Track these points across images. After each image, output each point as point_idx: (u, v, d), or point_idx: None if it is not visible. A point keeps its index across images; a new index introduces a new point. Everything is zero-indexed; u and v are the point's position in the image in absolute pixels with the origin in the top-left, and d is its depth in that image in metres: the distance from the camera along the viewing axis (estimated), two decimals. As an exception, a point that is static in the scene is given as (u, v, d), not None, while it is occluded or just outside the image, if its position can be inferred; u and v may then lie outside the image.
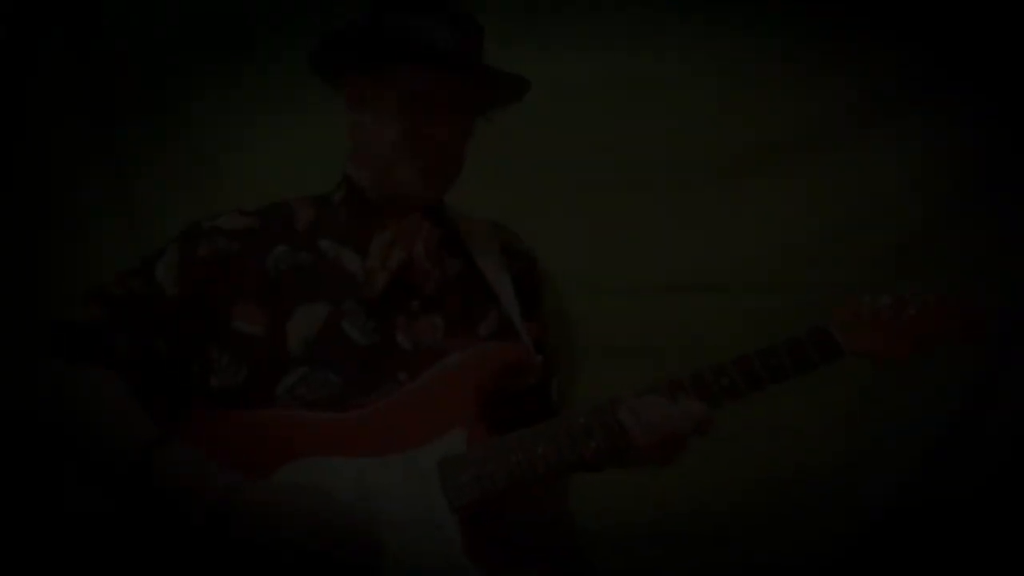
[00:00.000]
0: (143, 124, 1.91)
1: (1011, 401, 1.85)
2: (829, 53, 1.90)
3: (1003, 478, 1.82)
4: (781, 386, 1.78)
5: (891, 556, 1.85)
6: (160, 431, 1.18)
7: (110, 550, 1.16)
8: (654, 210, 1.91)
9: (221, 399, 1.27)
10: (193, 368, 1.29)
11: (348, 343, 1.28)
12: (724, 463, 1.85)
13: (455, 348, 1.30)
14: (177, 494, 1.12)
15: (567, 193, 1.90)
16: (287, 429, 1.21)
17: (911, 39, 1.87)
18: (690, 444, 1.24)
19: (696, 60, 1.91)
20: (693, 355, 1.31)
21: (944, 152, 1.90)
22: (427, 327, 1.32)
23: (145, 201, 1.90)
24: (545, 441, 1.21)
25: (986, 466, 1.84)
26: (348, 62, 1.36)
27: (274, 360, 1.26)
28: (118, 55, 1.89)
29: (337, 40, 1.36)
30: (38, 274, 1.81)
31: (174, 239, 1.34)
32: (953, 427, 1.88)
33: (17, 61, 1.82)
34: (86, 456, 1.21)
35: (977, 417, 1.87)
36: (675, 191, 1.92)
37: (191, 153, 1.92)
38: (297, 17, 1.33)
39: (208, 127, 1.90)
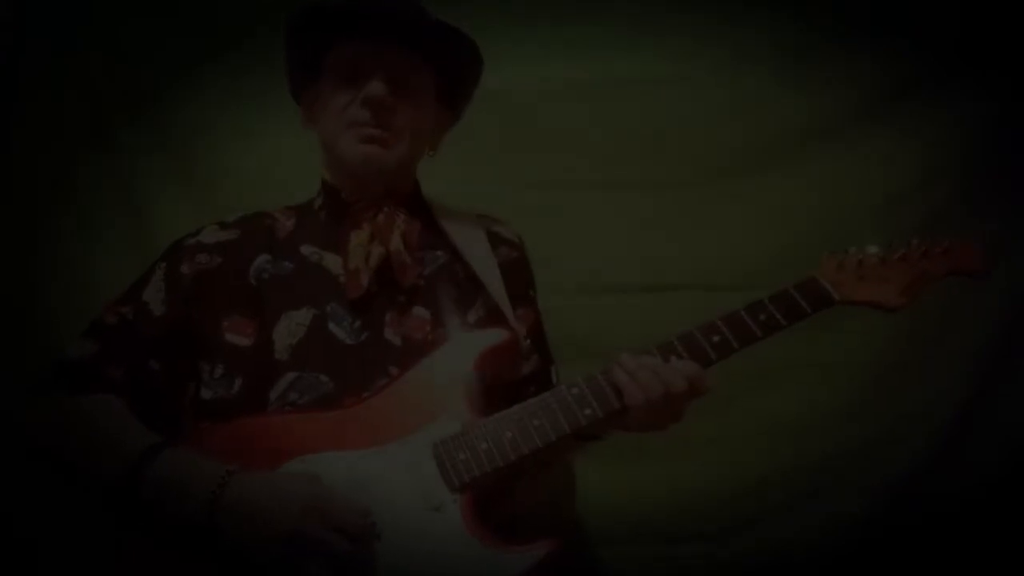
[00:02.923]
0: (143, 124, 1.94)
1: (1016, 395, 1.85)
2: (826, 53, 1.92)
3: (1009, 471, 1.81)
4: (783, 383, 1.82)
5: (896, 552, 1.82)
6: (158, 437, 1.18)
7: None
8: (646, 210, 1.93)
9: (215, 411, 1.26)
10: (188, 383, 1.30)
11: (336, 344, 1.27)
12: (725, 461, 1.85)
13: (443, 338, 1.30)
14: (176, 490, 1.11)
15: (559, 193, 1.93)
16: (278, 433, 1.20)
17: (910, 38, 1.88)
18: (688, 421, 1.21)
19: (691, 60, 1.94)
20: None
21: (943, 151, 1.91)
22: (415, 320, 1.31)
23: (145, 201, 1.93)
24: (539, 414, 1.19)
25: (993, 458, 1.83)
26: (294, 66, 1.39)
27: (264, 368, 1.25)
28: (118, 57, 1.94)
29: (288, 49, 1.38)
30: (38, 274, 1.84)
31: (158, 260, 1.35)
32: (958, 422, 1.87)
33: (16, 63, 1.87)
34: (89, 473, 1.19)
35: (983, 410, 1.86)
36: (668, 190, 1.94)
37: (191, 153, 1.96)
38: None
39: (207, 128, 1.94)
